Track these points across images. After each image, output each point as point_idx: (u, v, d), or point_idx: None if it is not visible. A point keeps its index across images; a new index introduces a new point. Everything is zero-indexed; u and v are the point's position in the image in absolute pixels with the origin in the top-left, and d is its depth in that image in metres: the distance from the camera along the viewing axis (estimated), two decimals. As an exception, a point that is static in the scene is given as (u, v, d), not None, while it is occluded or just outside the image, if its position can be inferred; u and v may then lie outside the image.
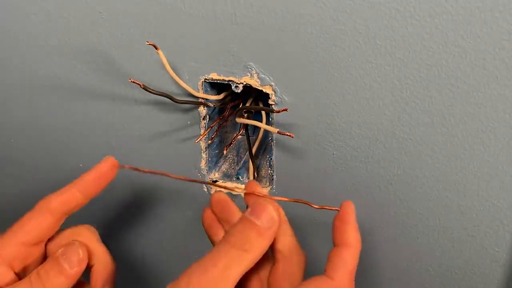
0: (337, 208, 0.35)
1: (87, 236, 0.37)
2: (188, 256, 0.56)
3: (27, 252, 0.35)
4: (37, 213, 0.36)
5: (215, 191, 0.38)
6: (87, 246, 0.36)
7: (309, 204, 0.37)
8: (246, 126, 0.48)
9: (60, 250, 0.34)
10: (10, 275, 0.34)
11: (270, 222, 0.33)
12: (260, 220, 0.32)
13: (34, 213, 0.36)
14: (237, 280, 0.30)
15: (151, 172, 0.38)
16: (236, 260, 0.31)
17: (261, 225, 0.32)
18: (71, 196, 0.36)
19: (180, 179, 0.38)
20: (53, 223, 0.36)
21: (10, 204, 0.59)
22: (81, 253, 0.34)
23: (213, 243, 0.39)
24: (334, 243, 0.34)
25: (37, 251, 0.36)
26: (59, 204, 0.36)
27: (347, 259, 0.33)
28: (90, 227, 0.38)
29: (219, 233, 0.39)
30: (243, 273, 0.31)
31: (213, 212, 0.39)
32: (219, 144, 0.51)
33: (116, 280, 0.38)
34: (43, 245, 0.37)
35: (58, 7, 0.45)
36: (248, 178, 0.49)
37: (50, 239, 0.37)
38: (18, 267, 0.35)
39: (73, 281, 0.33)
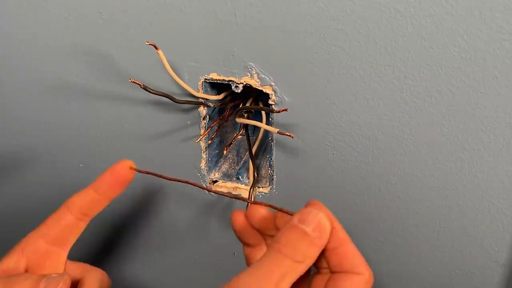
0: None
1: (90, 282, 0.36)
2: (188, 255, 0.56)
3: (46, 250, 0.35)
4: (58, 211, 0.37)
5: (253, 203, 0.37)
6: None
7: (285, 212, 0.36)
8: (246, 126, 0.48)
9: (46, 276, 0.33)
10: (23, 266, 0.34)
11: (321, 230, 0.31)
12: (310, 228, 0.31)
13: (56, 211, 0.37)
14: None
15: (172, 180, 0.37)
16: (289, 272, 0.30)
17: (313, 234, 0.31)
18: (87, 196, 0.37)
19: (200, 187, 0.37)
20: (74, 223, 0.36)
21: (10, 204, 0.59)
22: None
23: (247, 245, 0.38)
24: (337, 270, 0.32)
25: (57, 255, 0.36)
26: (76, 203, 0.37)
27: None
28: (104, 276, 0.38)
29: (255, 237, 0.37)
30: (288, 283, 0.30)
31: (249, 221, 0.37)
32: (219, 144, 0.51)
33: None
34: (63, 252, 0.36)
35: (58, 7, 0.45)
36: (248, 178, 0.49)
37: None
38: (33, 262, 0.35)
39: None
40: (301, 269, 0.30)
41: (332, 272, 0.32)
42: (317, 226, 0.31)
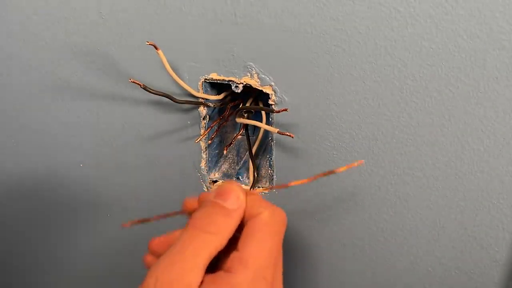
0: (360, 162, 0.34)
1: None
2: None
3: None
4: None
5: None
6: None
7: (331, 173, 0.34)
8: (246, 126, 0.48)
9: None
10: None
11: (237, 202, 0.31)
12: (227, 202, 0.31)
13: None
14: (207, 264, 0.29)
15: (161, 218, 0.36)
16: (205, 244, 0.29)
17: (228, 206, 0.31)
18: None
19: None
20: None
21: (10, 204, 0.59)
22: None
23: None
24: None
25: None
26: None
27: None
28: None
29: None
30: (213, 255, 0.29)
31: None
32: (219, 144, 0.51)
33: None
34: None
35: (58, 7, 0.45)
36: (248, 178, 0.49)
37: None
38: None
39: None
40: (218, 242, 0.30)
41: None
42: (232, 198, 0.31)
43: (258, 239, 0.30)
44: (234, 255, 0.30)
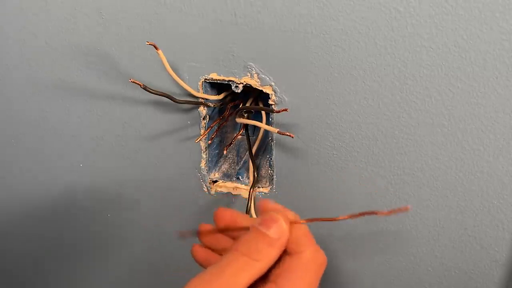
0: (406, 208, 0.34)
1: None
2: (187, 258, 0.56)
3: None
4: None
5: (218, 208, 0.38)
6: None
7: (375, 213, 0.35)
8: (246, 126, 0.48)
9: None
10: None
11: (280, 232, 0.32)
12: (270, 230, 0.32)
13: None
14: (241, 285, 0.30)
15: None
16: (245, 268, 0.31)
17: (271, 235, 0.32)
18: None
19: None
20: None
21: (10, 204, 0.59)
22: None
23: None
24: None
25: None
26: None
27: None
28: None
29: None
30: (251, 281, 0.31)
31: (218, 227, 0.37)
32: (219, 144, 0.51)
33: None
34: None
35: (58, 7, 0.45)
36: (248, 178, 0.49)
37: None
38: None
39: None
40: (258, 267, 0.31)
41: None
42: (276, 228, 0.32)
43: (298, 277, 0.32)
44: (271, 287, 0.31)
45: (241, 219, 0.36)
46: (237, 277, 0.30)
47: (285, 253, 0.33)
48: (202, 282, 0.30)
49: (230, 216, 0.36)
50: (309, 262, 0.33)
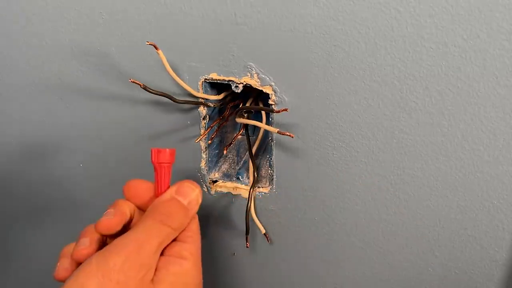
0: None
1: None
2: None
3: None
4: None
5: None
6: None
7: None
8: (246, 126, 0.48)
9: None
10: None
11: (195, 204, 0.36)
12: (187, 201, 0.36)
13: None
14: (159, 253, 0.33)
15: None
16: (167, 238, 0.34)
17: (188, 207, 0.36)
18: None
19: None
20: None
21: (10, 204, 0.59)
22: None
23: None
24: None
25: None
26: None
27: None
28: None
29: None
30: (163, 246, 0.34)
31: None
32: (219, 144, 0.51)
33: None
34: None
35: (58, 7, 0.45)
36: (248, 178, 0.49)
37: None
38: None
39: None
40: (171, 234, 0.35)
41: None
42: (193, 200, 0.36)
43: (198, 238, 0.37)
44: (183, 247, 0.35)
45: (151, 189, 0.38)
46: (161, 246, 0.34)
47: None
48: (118, 246, 0.32)
49: (143, 188, 0.38)
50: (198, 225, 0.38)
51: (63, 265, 0.35)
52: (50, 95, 0.50)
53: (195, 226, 0.37)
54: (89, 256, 0.33)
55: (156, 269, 0.34)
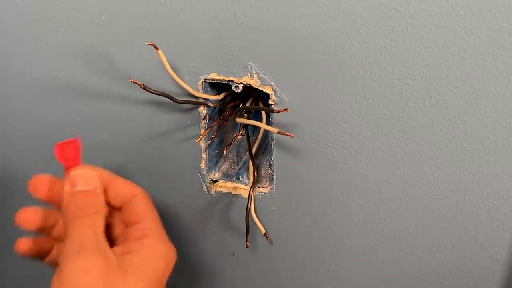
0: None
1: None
2: (186, 256, 0.56)
3: None
4: None
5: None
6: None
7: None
8: (246, 126, 0.48)
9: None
10: None
11: (91, 182, 0.36)
12: (81, 185, 0.35)
13: None
14: (101, 239, 0.33)
15: None
16: (94, 224, 0.34)
17: (87, 188, 0.35)
18: None
19: None
20: None
21: (10, 204, 0.59)
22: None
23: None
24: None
25: None
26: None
27: None
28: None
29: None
30: (101, 232, 0.34)
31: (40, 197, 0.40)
32: (219, 144, 0.51)
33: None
34: None
35: (58, 7, 0.45)
36: (248, 178, 0.49)
37: None
38: None
39: None
40: (102, 216, 0.34)
41: (126, 225, 0.38)
42: (85, 181, 0.35)
43: (153, 213, 0.38)
44: (136, 227, 0.36)
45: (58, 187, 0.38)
46: (85, 238, 0.33)
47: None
48: (61, 257, 0.32)
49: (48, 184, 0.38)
50: (147, 198, 0.39)
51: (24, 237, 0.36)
52: (50, 95, 0.50)
53: (144, 204, 0.37)
54: (31, 218, 0.37)
55: (120, 255, 0.33)
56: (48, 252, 0.39)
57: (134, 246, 0.35)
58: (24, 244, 0.38)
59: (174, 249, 0.37)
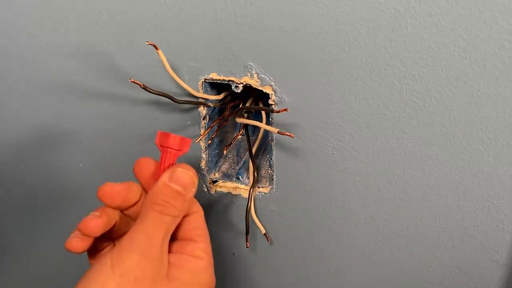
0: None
1: None
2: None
3: None
4: None
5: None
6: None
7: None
8: (246, 126, 0.48)
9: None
10: None
11: (188, 187, 0.35)
12: (182, 186, 0.35)
13: None
14: (166, 245, 0.34)
15: None
16: (171, 226, 0.34)
17: (184, 192, 0.35)
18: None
19: None
20: None
21: (10, 204, 0.59)
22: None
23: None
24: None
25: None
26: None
27: None
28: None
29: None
30: (169, 236, 0.34)
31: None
32: (219, 144, 0.51)
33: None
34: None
35: (58, 7, 0.45)
36: (248, 178, 0.49)
37: None
38: None
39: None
40: (173, 222, 0.34)
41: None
42: (188, 184, 0.35)
43: (208, 235, 0.37)
44: (196, 246, 0.36)
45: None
46: (167, 236, 0.34)
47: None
48: (130, 242, 0.32)
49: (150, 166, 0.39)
50: (203, 219, 0.38)
51: (76, 235, 0.35)
52: (50, 95, 0.50)
53: (202, 222, 0.37)
54: (97, 227, 0.34)
55: (170, 265, 0.34)
56: (100, 251, 0.38)
57: (186, 263, 0.35)
58: (76, 244, 0.37)
59: (215, 281, 0.37)
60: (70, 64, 0.47)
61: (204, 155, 0.48)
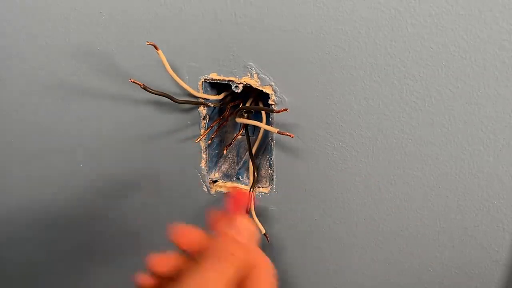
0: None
1: None
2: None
3: None
4: None
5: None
6: None
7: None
8: (246, 126, 0.48)
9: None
10: None
11: (252, 236, 0.34)
12: (242, 236, 0.34)
13: None
14: None
15: None
16: (233, 276, 0.32)
17: (245, 241, 0.34)
18: None
19: None
20: None
21: (10, 203, 0.59)
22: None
23: None
24: None
25: None
26: None
27: None
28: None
29: None
30: (229, 286, 0.32)
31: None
32: (219, 144, 0.51)
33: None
34: None
35: (58, 7, 0.45)
36: (248, 178, 0.49)
37: None
38: None
39: None
40: (233, 272, 0.33)
41: None
42: (250, 235, 0.34)
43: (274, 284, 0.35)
44: None
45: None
46: (216, 284, 0.31)
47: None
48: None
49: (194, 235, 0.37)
50: (268, 272, 0.35)
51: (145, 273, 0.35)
52: (50, 95, 0.50)
53: (262, 280, 0.35)
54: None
55: None
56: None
57: None
58: (145, 281, 0.37)
59: None
60: (70, 64, 0.47)
61: (204, 155, 0.48)
